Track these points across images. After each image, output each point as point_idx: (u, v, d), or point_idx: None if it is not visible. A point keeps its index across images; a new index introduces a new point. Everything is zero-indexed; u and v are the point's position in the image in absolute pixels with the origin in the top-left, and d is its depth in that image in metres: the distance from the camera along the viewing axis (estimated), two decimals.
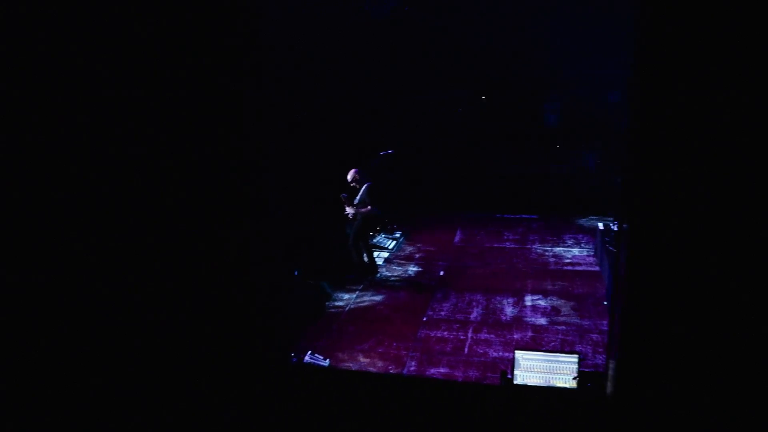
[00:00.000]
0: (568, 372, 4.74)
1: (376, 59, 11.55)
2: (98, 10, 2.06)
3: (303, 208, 9.03)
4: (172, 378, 2.36)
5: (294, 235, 8.60)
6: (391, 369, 6.50)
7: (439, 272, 9.55)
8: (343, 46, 10.28)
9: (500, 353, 6.70)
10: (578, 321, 7.46)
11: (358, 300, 8.52)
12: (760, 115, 1.52)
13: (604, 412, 2.02)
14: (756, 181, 1.52)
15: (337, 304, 8.39)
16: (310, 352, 6.55)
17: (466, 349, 6.84)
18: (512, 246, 10.83)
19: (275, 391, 2.39)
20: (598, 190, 12.65)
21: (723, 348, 1.64)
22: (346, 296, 8.65)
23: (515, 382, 4.85)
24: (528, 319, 7.60)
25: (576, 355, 4.80)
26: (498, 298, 8.29)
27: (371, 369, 6.51)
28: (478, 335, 7.17)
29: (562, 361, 4.78)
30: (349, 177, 9.28)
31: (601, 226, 9.42)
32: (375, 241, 10.95)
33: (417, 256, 10.51)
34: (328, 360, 6.56)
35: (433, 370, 6.42)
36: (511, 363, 4.94)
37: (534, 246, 10.75)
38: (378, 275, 9.48)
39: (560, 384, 4.74)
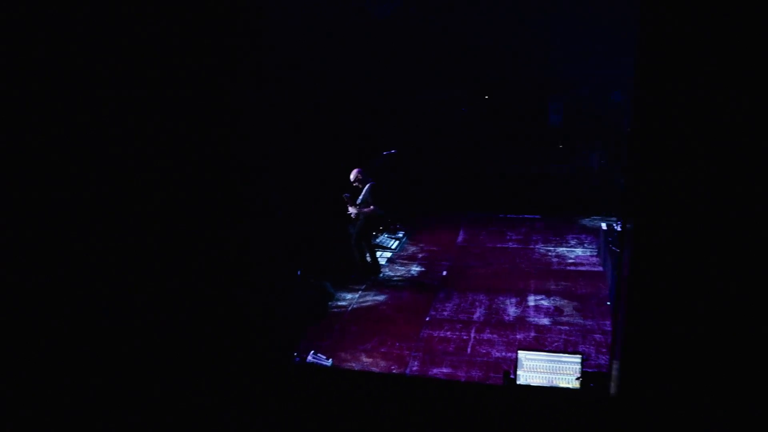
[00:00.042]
0: (571, 372, 4.73)
1: (378, 59, 11.55)
2: (101, 9, 2.06)
3: (306, 208, 9.03)
4: (174, 378, 2.36)
5: (297, 234, 8.60)
6: (393, 369, 6.50)
7: (442, 272, 9.54)
8: (346, 46, 10.28)
9: (503, 353, 6.69)
10: (581, 321, 7.44)
11: (360, 300, 8.52)
12: (765, 114, 1.52)
13: (608, 412, 2.01)
14: (761, 180, 1.51)
15: (339, 303, 8.39)
16: (312, 351, 6.55)
17: (468, 349, 6.83)
18: (515, 246, 10.81)
19: (278, 390, 2.39)
20: (601, 190, 12.63)
21: (727, 348, 1.63)
22: (349, 296, 8.65)
23: (518, 383, 4.84)
24: (531, 319, 7.58)
25: (579, 356, 4.79)
26: (501, 298, 8.28)
27: (374, 369, 6.51)
28: (481, 335, 7.16)
29: (565, 362, 4.77)
30: (352, 177, 9.27)
31: (604, 226, 9.40)
32: (378, 240, 10.94)
33: (420, 256, 10.50)
34: (330, 360, 6.56)
35: (435, 370, 6.42)
36: (514, 363, 4.93)
37: (537, 246, 10.73)
38: (381, 275, 9.47)
39: (563, 384, 4.73)
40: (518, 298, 8.24)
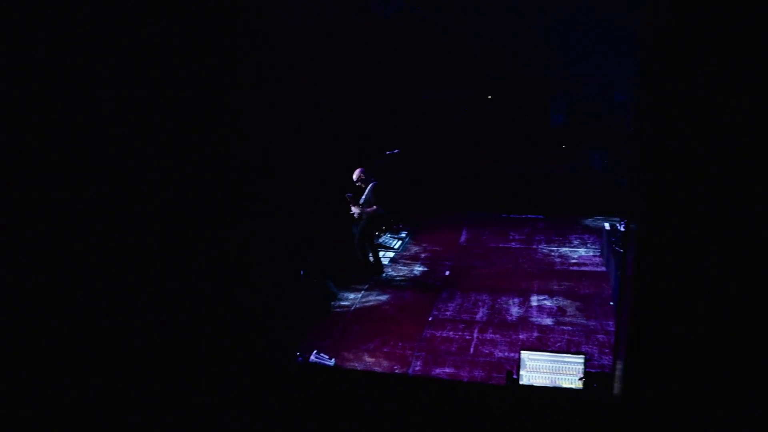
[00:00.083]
0: (575, 372, 4.72)
1: (381, 59, 11.55)
2: (102, 9, 2.06)
3: (308, 208, 9.04)
4: (175, 378, 2.36)
5: (299, 234, 8.61)
6: (396, 369, 6.50)
7: (444, 272, 9.54)
8: (349, 46, 10.28)
9: (506, 353, 6.69)
10: (584, 321, 7.43)
11: (363, 300, 8.52)
12: None
13: (611, 413, 2.00)
14: (767, 181, 1.50)
15: (342, 303, 8.39)
16: (315, 351, 6.55)
17: (471, 349, 6.83)
18: (518, 246, 10.81)
19: (280, 390, 2.38)
20: (604, 190, 12.61)
21: (732, 349, 1.62)
22: (352, 296, 8.65)
23: (521, 383, 4.84)
24: (534, 319, 7.58)
25: (582, 356, 4.78)
26: (504, 298, 8.27)
27: (377, 369, 6.51)
28: (484, 335, 7.16)
29: (568, 362, 4.76)
30: (355, 176, 9.28)
31: (607, 226, 9.39)
32: (380, 240, 10.94)
33: (422, 255, 10.50)
34: (333, 359, 6.56)
35: (438, 370, 6.41)
36: (517, 363, 4.93)
37: (540, 246, 10.72)
38: (383, 275, 9.47)
39: (566, 385, 4.73)
40: (521, 298, 8.23)
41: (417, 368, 6.50)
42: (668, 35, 1.58)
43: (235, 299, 2.42)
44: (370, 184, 9.23)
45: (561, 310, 7.80)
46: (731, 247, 1.56)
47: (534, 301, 8.16)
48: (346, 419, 2.20)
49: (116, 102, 2.12)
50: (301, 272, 8.25)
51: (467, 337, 7.11)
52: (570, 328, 7.28)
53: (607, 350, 6.62)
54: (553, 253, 10.27)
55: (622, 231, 8.64)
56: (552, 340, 7.00)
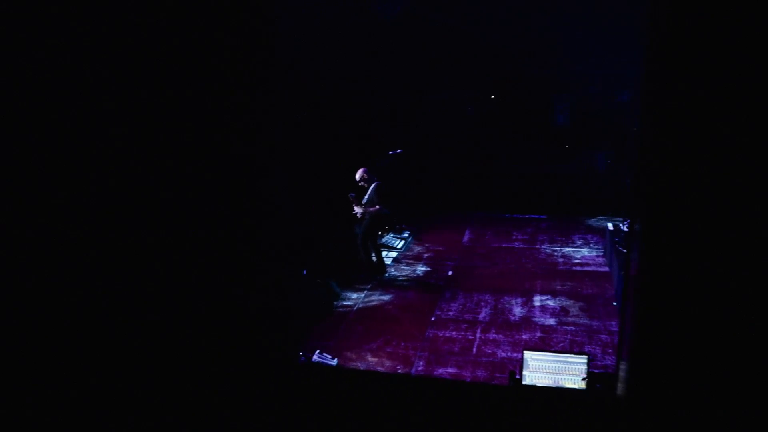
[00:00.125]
0: (578, 373, 4.71)
1: (384, 59, 11.55)
2: (108, 9, 2.07)
3: (312, 208, 9.04)
4: (177, 378, 2.36)
5: (302, 234, 8.61)
6: (399, 369, 6.50)
7: (447, 272, 9.53)
8: (352, 46, 10.29)
9: (509, 353, 6.68)
10: (587, 321, 7.42)
11: (366, 299, 8.52)
12: None
13: (615, 413, 2.00)
14: None
15: (345, 303, 8.39)
16: (318, 351, 6.55)
17: (474, 349, 6.82)
18: (521, 246, 10.79)
19: (283, 390, 2.38)
20: (607, 190, 12.58)
21: (738, 349, 1.62)
22: (355, 296, 8.65)
23: (524, 383, 4.83)
24: (537, 319, 7.57)
25: (585, 356, 4.77)
26: (506, 298, 8.27)
27: (379, 368, 6.51)
28: (487, 335, 7.15)
29: (571, 362, 4.75)
30: (358, 176, 9.28)
31: (610, 226, 9.37)
32: (383, 240, 10.94)
33: (425, 255, 10.50)
34: (336, 359, 6.56)
35: (441, 370, 6.41)
36: (520, 363, 4.92)
37: (543, 246, 10.71)
38: (386, 275, 9.47)
39: (569, 385, 4.72)
40: (524, 299, 8.22)
41: (420, 368, 6.49)
42: (672, 35, 1.57)
43: (237, 299, 2.42)
44: (373, 184, 9.23)
45: (564, 310, 7.79)
46: (736, 247, 1.55)
47: (537, 301, 8.15)
48: (348, 419, 2.19)
49: (117, 102, 2.12)
50: (304, 272, 8.26)
51: (470, 337, 7.11)
52: (573, 328, 7.26)
53: (610, 350, 6.61)
54: (556, 253, 10.25)
55: (625, 231, 8.63)
56: (555, 340, 6.99)
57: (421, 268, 9.83)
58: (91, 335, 2.29)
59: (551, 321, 7.49)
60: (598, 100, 12.80)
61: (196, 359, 2.35)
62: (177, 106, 2.14)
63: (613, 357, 6.42)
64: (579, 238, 11.05)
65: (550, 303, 8.06)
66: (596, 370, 5.51)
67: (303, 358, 6.37)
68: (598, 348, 6.71)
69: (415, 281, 9.28)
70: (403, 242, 11.09)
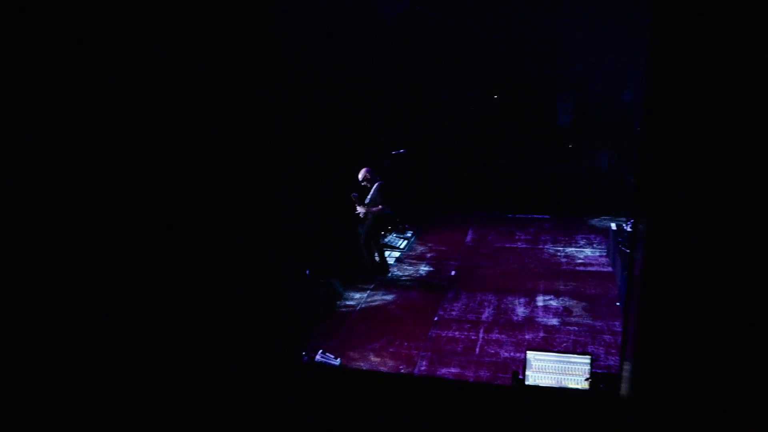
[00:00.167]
0: (581, 373, 4.70)
1: (387, 59, 11.55)
2: (112, 8, 2.07)
3: (314, 208, 9.04)
4: (180, 378, 2.37)
5: (305, 234, 8.61)
6: (402, 368, 6.49)
7: (450, 272, 9.53)
8: (354, 46, 10.28)
9: (511, 354, 6.68)
10: (590, 322, 7.41)
11: (369, 299, 8.52)
12: None
13: (618, 413, 2.00)
14: None
15: (348, 303, 8.39)
16: (321, 351, 6.55)
17: (477, 350, 6.81)
18: (524, 246, 10.78)
19: (286, 390, 2.38)
20: (610, 189, 12.56)
21: (742, 350, 1.61)
22: (357, 295, 8.65)
23: (527, 383, 4.82)
24: (540, 319, 7.56)
25: (588, 356, 4.76)
26: (509, 298, 8.25)
27: (382, 368, 6.51)
28: (490, 335, 7.14)
29: (574, 362, 4.74)
30: (360, 176, 9.27)
31: (613, 226, 9.35)
32: (386, 240, 10.94)
33: (428, 255, 10.49)
34: (339, 359, 6.56)
35: (444, 370, 6.41)
36: (523, 363, 4.91)
37: (546, 246, 10.69)
38: (389, 275, 9.47)
39: (572, 385, 4.71)
40: (527, 299, 8.21)
41: (422, 368, 6.49)
42: (675, 36, 1.57)
43: (240, 299, 2.42)
44: (376, 184, 9.22)
45: (567, 311, 7.77)
46: (739, 247, 1.55)
47: (540, 301, 8.14)
48: (351, 419, 2.20)
49: (118, 102, 2.13)
50: (307, 272, 8.26)
51: (473, 337, 7.10)
52: (576, 328, 7.25)
53: (613, 351, 6.59)
54: (559, 253, 10.24)
55: (629, 231, 8.61)
56: (558, 340, 6.98)
57: (424, 268, 9.82)
58: (91, 335, 2.29)
59: (554, 321, 7.48)
60: (600, 100, 12.78)
61: (199, 359, 2.35)
62: (177, 106, 2.15)
63: (616, 357, 6.41)
64: (582, 238, 11.03)
65: (553, 303, 8.05)
66: (599, 371, 5.50)
67: (306, 357, 6.37)
68: (601, 348, 6.70)
69: (418, 281, 9.28)
70: (405, 242, 11.08)
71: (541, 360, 4.80)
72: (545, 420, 2.08)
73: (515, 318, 7.62)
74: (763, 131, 1.50)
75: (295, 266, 8.10)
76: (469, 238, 11.46)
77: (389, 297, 8.58)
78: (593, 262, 9.72)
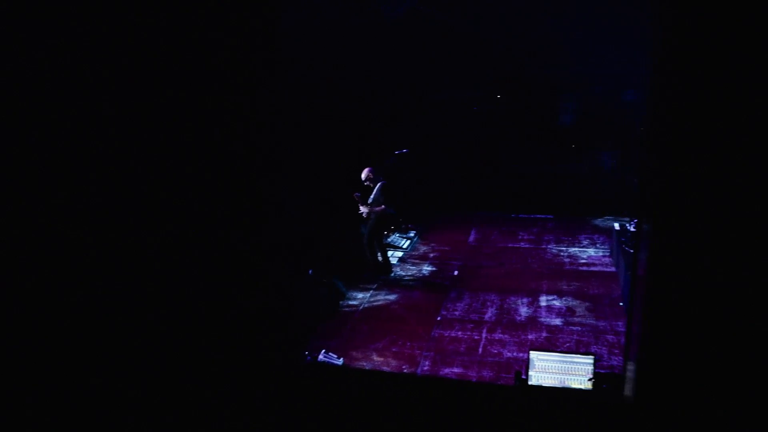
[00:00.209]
0: (584, 373, 4.69)
1: (390, 59, 11.54)
2: (111, 10, 2.07)
3: (317, 207, 9.04)
4: (183, 378, 2.37)
5: (308, 234, 8.62)
6: (404, 368, 6.49)
7: (453, 272, 9.52)
8: (357, 46, 10.28)
9: (514, 354, 6.67)
10: (594, 322, 7.39)
11: (372, 299, 8.52)
12: None
13: (621, 414, 1.99)
14: None
15: (351, 303, 8.39)
16: (324, 350, 6.55)
17: (480, 349, 6.81)
18: (527, 246, 10.77)
19: (289, 389, 2.38)
20: (613, 189, 12.54)
21: (748, 351, 1.61)
22: (360, 295, 8.65)
23: (530, 383, 4.82)
24: (543, 319, 7.55)
25: (591, 356, 4.75)
26: (512, 298, 8.25)
27: (385, 368, 6.51)
28: (493, 335, 7.14)
29: (577, 362, 4.74)
30: (363, 176, 9.27)
31: (617, 226, 9.34)
32: (389, 240, 10.94)
33: (431, 255, 10.49)
34: (342, 359, 6.56)
35: (446, 370, 6.40)
36: (526, 363, 4.91)
37: (549, 246, 10.68)
38: (392, 274, 9.47)
39: (575, 385, 4.70)
40: (530, 299, 8.20)
41: (425, 368, 6.49)
42: (679, 35, 1.56)
43: (244, 299, 2.42)
44: (379, 184, 9.22)
45: (570, 311, 7.76)
46: (744, 247, 1.54)
47: (543, 301, 8.13)
48: (354, 418, 2.20)
49: (119, 102, 2.13)
50: (310, 272, 8.26)
51: (476, 337, 7.09)
52: (579, 328, 7.24)
53: (616, 351, 6.58)
54: (562, 253, 10.22)
55: (632, 231, 8.59)
56: (561, 340, 6.97)
57: (426, 268, 9.82)
58: (91, 335, 2.29)
59: (557, 321, 7.47)
60: (603, 100, 12.76)
61: (201, 359, 2.35)
62: (178, 106, 2.15)
63: (620, 357, 6.40)
64: (585, 238, 11.01)
65: (557, 303, 8.03)
66: (603, 371, 5.49)
67: (309, 357, 6.37)
68: (604, 348, 6.69)
69: (420, 281, 9.27)
70: (408, 242, 11.08)
71: (544, 360, 4.80)
72: (548, 420, 2.08)
73: (518, 318, 7.61)
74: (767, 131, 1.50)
75: (298, 266, 8.10)
76: (472, 237, 11.46)
77: (392, 297, 8.58)
78: (596, 262, 9.70)
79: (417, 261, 10.19)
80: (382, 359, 6.70)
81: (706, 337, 1.64)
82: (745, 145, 1.52)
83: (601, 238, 10.89)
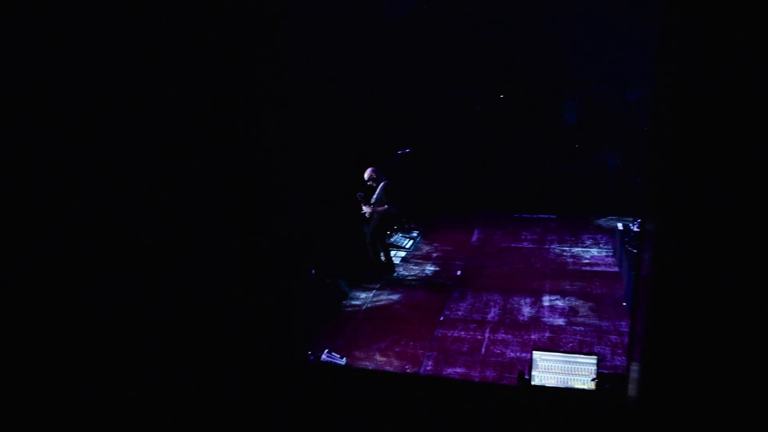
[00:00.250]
0: (587, 373, 4.69)
1: (394, 58, 11.54)
2: (113, 11, 2.07)
3: (320, 207, 9.05)
4: (186, 378, 2.37)
5: (311, 233, 8.62)
6: (407, 368, 6.49)
7: (456, 272, 9.52)
8: (360, 45, 10.28)
9: (517, 354, 6.66)
10: (597, 322, 7.38)
11: (375, 299, 8.52)
12: None
13: (625, 414, 1.99)
14: None
15: (353, 302, 8.39)
16: (327, 350, 6.56)
17: (483, 349, 6.80)
18: (530, 246, 10.76)
19: (292, 389, 2.38)
20: (617, 189, 12.53)
21: (753, 351, 1.60)
22: (363, 295, 8.65)
23: (533, 383, 4.81)
24: (546, 319, 7.54)
25: (595, 356, 4.75)
26: (515, 298, 8.24)
27: (388, 368, 6.51)
28: (495, 335, 7.13)
29: (580, 363, 4.73)
30: (366, 175, 9.28)
31: (620, 226, 9.32)
32: (392, 240, 10.94)
33: (434, 255, 10.48)
34: (345, 359, 6.56)
35: (449, 370, 6.40)
36: (529, 364, 4.90)
37: (552, 246, 10.67)
38: (395, 274, 9.47)
39: (578, 385, 4.70)
40: (533, 299, 8.19)
41: (428, 368, 6.48)
42: (684, 34, 1.56)
43: (246, 298, 2.42)
44: (381, 183, 9.22)
45: (573, 311, 7.75)
46: (751, 247, 1.53)
47: (546, 301, 8.12)
48: (357, 418, 2.19)
49: (122, 101, 2.13)
50: (313, 271, 8.27)
51: (479, 337, 7.09)
52: (582, 328, 7.23)
53: (619, 351, 6.57)
54: (565, 253, 10.21)
55: (636, 231, 8.58)
56: (564, 340, 6.97)
57: (429, 268, 9.82)
58: (92, 335, 2.30)
59: (560, 321, 7.46)
60: (608, 99, 12.74)
61: (204, 359, 2.35)
62: (180, 106, 2.15)
63: (623, 358, 6.39)
64: (588, 238, 11.00)
65: (560, 303, 8.02)
66: (606, 371, 5.49)
67: (312, 357, 6.38)
68: (607, 348, 6.68)
69: (423, 281, 9.27)
70: (411, 242, 11.08)
71: (547, 360, 4.79)
72: (551, 420, 2.07)
73: (521, 318, 7.60)
74: None
75: (301, 266, 8.11)
76: (474, 237, 11.45)
77: (395, 297, 8.58)
78: (600, 262, 9.69)
79: (420, 261, 10.19)
80: (385, 359, 6.70)
81: (711, 337, 1.63)
82: (751, 145, 1.52)
83: (605, 238, 10.87)
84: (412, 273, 9.62)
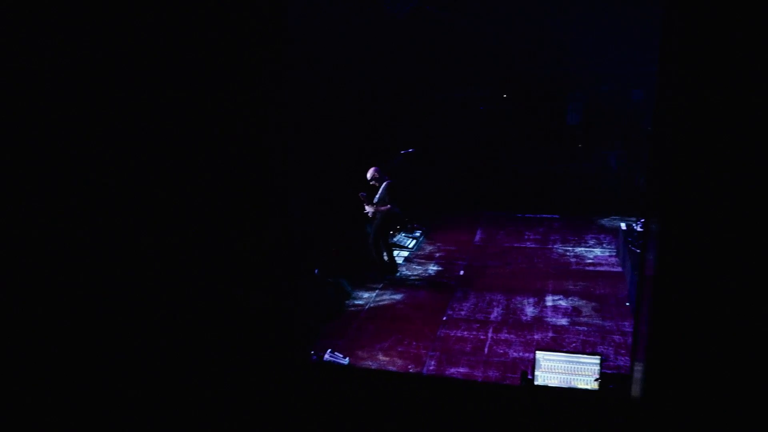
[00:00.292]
0: (590, 373, 4.68)
1: (397, 58, 11.53)
2: (116, 11, 2.07)
3: (323, 207, 9.05)
4: (189, 377, 2.37)
5: (314, 233, 8.62)
6: (410, 368, 6.49)
7: (459, 271, 9.51)
8: (364, 45, 10.28)
9: (520, 353, 6.65)
10: (600, 322, 7.37)
11: (377, 299, 8.52)
12: None
13: (628, 414, 1.98)
14: None
15: (356, 302, 8.39)
16: (329, 350, 6.56)
17: (486, 349, 6.79)
18: (533, 246, 10.74)
19: (295, 389, 2.38)
20: (620, 189, 12.49)
21: (757, 351, 1.60)
22: (366, 295, 8.65)
23: (536, 383, 4.81)
24: (549, 319, 7.53)
25: (598, 357, 4.74)
26: (518, 298, 8.23)
27: (391, 368, 6.50)
28: (498, 335, 7.12)
29: (583, 363, 4.72)
30: (369, 175, 9.27)
31: (623, 226, 9.30)
32: (395, 239, 10.93)
33: (437, 255, 10.47)
34: (347, 358, 6.56)
35: (452, 370, 6.39)
36: (532, 363, 4.90)
37: (555, 246, 10.65)
38: (398, 274, 9.46)
39: (582, 385, 4.69)
40: (536, 298, 8.18)
41: (431, 368, 6.48)
42: (687, 34, 1.55)
43: (249, 298, 2.42)
44: (384, 183, 9.22)
45: (576, 311, 7.74)
46: (753, 247, 1.53)
47: (549, 301, 8.10)
48: (360, 417, 2.19)
49: (123, 102, 2.13)
50: (316, 271, 8.27)
51: (482, 337, 7.08)
52: (585, 328, 7.22)
53: (623, 351, 6.56)
54: (568, 253, 10.19)
55: (639, 231, 8.56)
56: (567, 340, 6.95)
57: (432, 268, 9.81)
58: (93, 335, 2.30)
59: (563, 321, 7.45)
60: (611, 99, 12.71)
61: (207, 359, 2.35)
62: (183, 106, 2.15)
63: (627, 358, 6.38)
64: (592, 238, 10.98)
65: (563, 303, 8.01)
66: (609, 371, 5.47)
67: (315, 356, 6.38)
68: (610, 348, 6.66)
69: (426, 280, 9.26)
70: (414, 241, 11.07)
71: (550, 360, 4.78)
72: (554, 420, 2.07)
73: (524, 318, 7.59)
74: None
75: (304, 266, 8.11)
76: (477, 237, 11.44)
77: (398, 296, 8.57)
78: (603, 262, 9.67)
79: (423, 260, 10.19)
80: (387, 359, 6.70)
81: (714, 337, 1.62)
82: (755, 145, 1.51)
83: (608, 238, 10.85)
84: (415, 273, 9.61)
